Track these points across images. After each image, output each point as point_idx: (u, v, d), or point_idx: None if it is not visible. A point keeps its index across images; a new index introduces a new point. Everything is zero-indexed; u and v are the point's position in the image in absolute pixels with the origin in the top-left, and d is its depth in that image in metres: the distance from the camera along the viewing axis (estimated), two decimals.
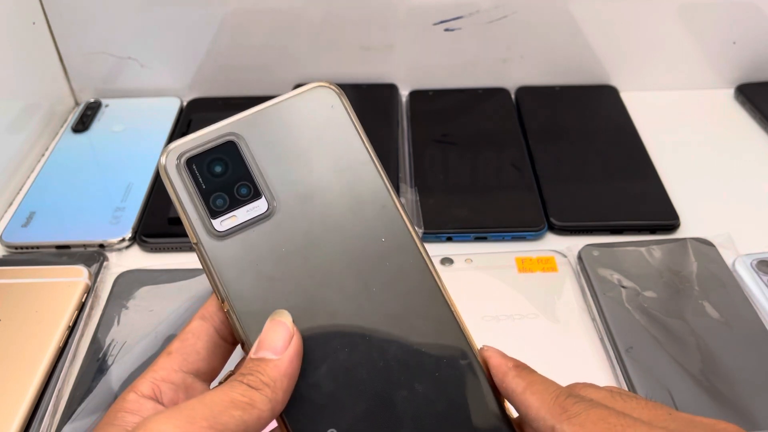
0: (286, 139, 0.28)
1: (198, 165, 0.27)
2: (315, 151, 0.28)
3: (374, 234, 0.27)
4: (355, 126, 0.28)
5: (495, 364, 0.26)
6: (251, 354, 0.25)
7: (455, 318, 0.27)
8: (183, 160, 0.27)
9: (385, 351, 0.26)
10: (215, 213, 0.27)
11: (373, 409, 0.25)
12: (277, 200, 0.27)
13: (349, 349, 0.26)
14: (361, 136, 0.28)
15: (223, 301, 0.26)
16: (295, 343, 0.25)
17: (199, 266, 0.26)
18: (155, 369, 0.26)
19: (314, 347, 0.26)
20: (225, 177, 0.27)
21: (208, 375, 0.27)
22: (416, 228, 0.27)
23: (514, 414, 0.26)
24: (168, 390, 0.25)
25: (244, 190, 0.27)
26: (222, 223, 0.26)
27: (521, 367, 0.26)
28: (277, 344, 0.25)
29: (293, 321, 0.25)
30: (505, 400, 0.26)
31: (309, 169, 0.27)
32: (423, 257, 0.27)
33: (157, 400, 0.25)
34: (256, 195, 0.27)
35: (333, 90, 0.28)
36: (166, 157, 0.27)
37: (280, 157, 0.27)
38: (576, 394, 0.24)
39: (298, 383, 0.25)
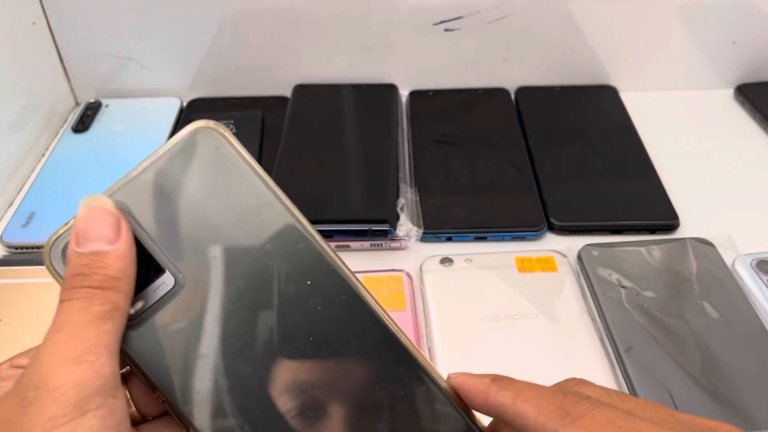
0: (174, 198, 0.24)
1: None
2: (210, 204, 0.24)
3: (298, 279, 0.25)
4: (249, 164, 0.25)
5: (471, 385, 0.24)
6: (77, 248, 0.23)
7: (406, 347, 0.25)
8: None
9: (339, 398, 0.25)
10: None
11: None
12: (182, 271, 0.24)
13: (300, 407, 0.24)
14: (258, 174, 0.25)
15: (155, 391, 0.24)
16: (125, 225, 0.23)
17: None
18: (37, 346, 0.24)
19: (266, 414, 0.24)
20: None
21: None
22: (339, 256, 0.26)
23: (486, 420, 0.26)
24: None
25: (143, 269, 0.24)
26: (130, 311, 0.23)
27: (501, 379, 0.24)
28: (107, 232, 0.23)
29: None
30: (474, 413, 0.25)
31: (208, 226, 0.24)
32: (356, 288, 0.25)
33: None
34: (158, 271, 0.24)
35: (213, 129, 0.25)
36: (50, 252, 0.23)
37: (173, 221, 0.24)
38: (573, 391, 0.23)
39: None
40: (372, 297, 0.26)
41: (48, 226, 0.54)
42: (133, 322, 0.24)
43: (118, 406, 0.21)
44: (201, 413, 0.24)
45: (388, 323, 0.25)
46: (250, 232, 0.25)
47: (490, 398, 0.24)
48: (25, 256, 0.52)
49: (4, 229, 0.54)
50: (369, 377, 0.25)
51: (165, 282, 0.24)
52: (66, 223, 0.24)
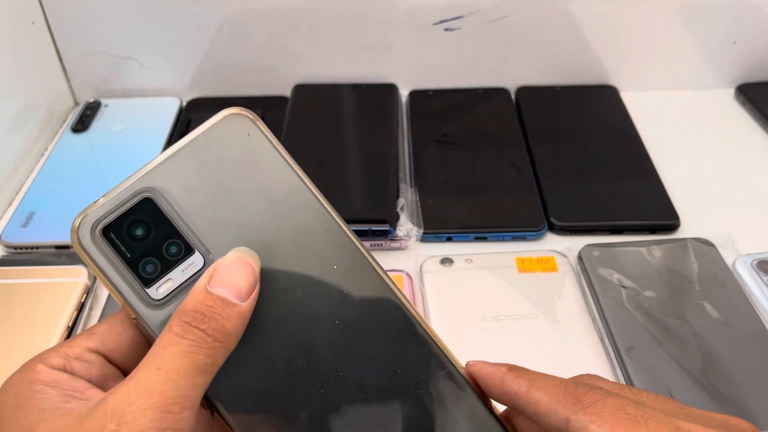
0: (205, 181, 0.25)
1: (116, 232, 0.24)
2: (240, 187, 0.25)
3: (325, 263, 0.25)
4: (278, 151, 0.26)
5: (488, 373, 0.25)
6: (208, 285, 0.23)
7: (426, 332, 0.26)
8: (98, 230, 0.24)
9: (362, 382, 0.25)
10: (148, 281, 0.24)
11: None
12: (212, 251, 0.25)
13: (325, 391, 0.25)
14: (287, 161, 0.26)
15: None
16: (257, 292, 0.24)
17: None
18: (69, 344, 0.24)
19: (287, 394, 0.24)
20: (150, 239, 0.24)
21: (121, 366, 0.25)
22: (363, 244, 0.26)
23: (501, 409, 0.26)
24: (79, 366, 0.24)
25: (174, 249, 0.25)
26: (158, 290, 0.24)
27: (517, 369, 0.25)
28: (242, 287, 0.23)
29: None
30: (493, 403, 0.26)
31: (238, 209, 0.25)
32: (380, 276, 0.26)
33: (70, 372, 0.23)
34: (188, 251, 0.25)
35: (246, 116, 0.25)
36: (79, 230, 0.24)
37: (204, 203, 0.25)
38: (585, 382, 0.23)
39: (278, 424, 0.24)
40: (395, 285, 0.26)
41: (48, 226, 0.54)
42: (160, 301, 0.24)
43: None
44: (225, 395, 0.24)
45: (410, 309, 0.26)
46: (280, 217, 0.25)
47: (505, 386, 0.24)
48: (24, 256, 0.52)
49: (4, 228, 0.54)
50: (392, 361, 0.26)
51: (194, 262, 0.25)
52: (94, 202, 0.24)
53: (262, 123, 0.26)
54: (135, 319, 0.24)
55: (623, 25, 0.67)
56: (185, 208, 0.25)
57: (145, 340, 0.25)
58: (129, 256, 0.24)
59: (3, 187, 0.58)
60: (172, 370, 0.21)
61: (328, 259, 0.26)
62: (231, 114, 0.25)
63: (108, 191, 0.24)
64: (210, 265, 0.24)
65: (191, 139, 0.25)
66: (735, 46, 0.68)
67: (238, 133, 0.25)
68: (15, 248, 0.53)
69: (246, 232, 0.25)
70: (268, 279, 0.25)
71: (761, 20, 0.66)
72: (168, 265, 0.24)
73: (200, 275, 0.24)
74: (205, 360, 0.22)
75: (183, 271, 0.24)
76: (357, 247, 0.26)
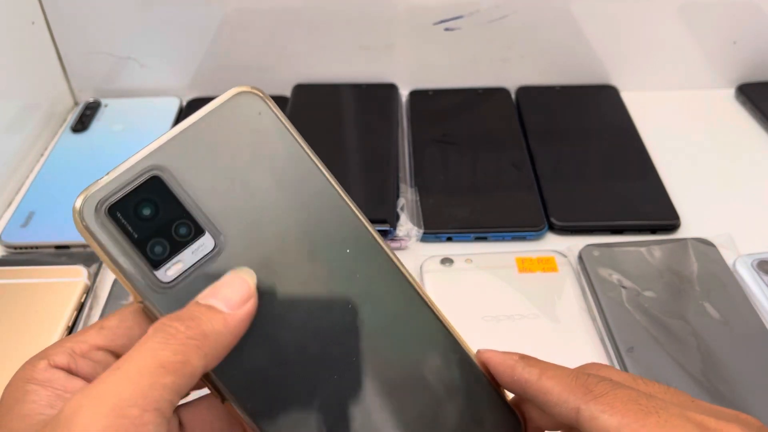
0: (215, 160, 0.24)
1: (123, 211, 0.23)
2: (251, 168, 0.24)
3: (337, 247, 0.25)
4: (289, 131, 0.25)
5: (499, 360, 0.25)
6: (198, 299, 0.22)
7: (438, 318, 0.26)
8: (104, 209, 0.23)
9: (377, 368, 0.25)
10: (156, 263, 0.23)
11: (374, 422, 0.25)
12: (223, 233, 0.24)
13: (338, 375, 0.25)
14: (298, 142, 0.25)
15: None
16: (252, 305, 0.23)
17: None
18: (78, 340, 0.23)
19: (300, 380, 0.24)
20: (158, 219, 0.23)
21: None
22: (374, 228, 0.26)
23: (509, 396, 0.26)
24: (85, 365, 0.23)
25: (183, 230, 0.24)
26: (167, 273, 0.23)
27: (528, 358, 0.25)
28: (233, 298, 0.22)
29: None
30: (504, 390, 0.26)
31: (249, 190, 0.24)
32: (393, 261, 0.26)
33: (72, 372, 0.22)
34: (198, 232, 0.24)
35: (257, 94, 0.25)
36: (82, 209, 0.22)
37: (214, 183, 0.24)
38: (595, 373, 0.23)
39: (291, 414, 0.24)
40: (405, 269, 0.26)
41: (47, 226, 0.54)
42: (169, 284, 0.23)
43: None
44: (234, 379, 0.23)
45: (423, 295, 0.26)
46: (291, 198, 0.25)
47: (516, 374, 0.24)
48: (24, 256, 0.52)
49: (4, 228, 0.54)
50: (406, 346, 0.26)
51: (204, 244, 0.24)
52: (98, 180, 0.23)
53: (273, 102, 0.25)
54: (141, 302, 0.23)
55: (623, 25, 0.67)
56: (195, 187, 0.24)
57: None
58: (136, 236, 0.23)
59: (3, 187, 0.58)
60: (133, 368, 0.19)
61: (341, 242, 0.25)
62: (241, 92, 0.25)
63: (113, 169, 0.23)
64: (221, 246, 0.24)
65: (201, 116, 0.24)
66: (735, 46, 0.68)
67: (248, 111, 0.25)
68: (15, 248, 0.52)
69: (256, 214, 0.24)
70: (279, 261, 0.24)
71: (761, 20, 0.66)
72: (177, 247, 0.24)
73: (211, 257, 0.24)
74: (173, 357, 0.20)
75: (193, 252, 0.24)
76: (369, 231, 0.26)
